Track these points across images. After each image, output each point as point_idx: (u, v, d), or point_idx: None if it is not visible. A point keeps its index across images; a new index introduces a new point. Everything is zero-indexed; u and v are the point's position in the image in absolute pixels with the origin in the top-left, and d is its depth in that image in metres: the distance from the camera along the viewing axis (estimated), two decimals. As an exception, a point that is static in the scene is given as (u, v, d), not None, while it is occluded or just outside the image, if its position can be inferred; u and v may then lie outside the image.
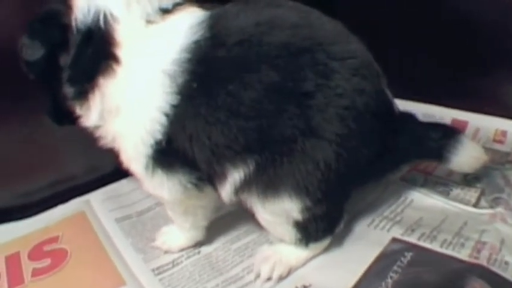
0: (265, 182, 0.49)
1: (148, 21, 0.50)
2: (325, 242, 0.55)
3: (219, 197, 0.54)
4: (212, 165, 0.49)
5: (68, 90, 0.52)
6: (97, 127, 0.54)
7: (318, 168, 0.47)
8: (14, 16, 0.62)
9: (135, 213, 0.68)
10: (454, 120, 0.75)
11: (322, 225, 0.53)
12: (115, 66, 0.49)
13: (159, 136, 0.49)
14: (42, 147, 0.69)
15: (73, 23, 0.49)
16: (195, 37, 0.48)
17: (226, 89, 0.46)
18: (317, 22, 0.50)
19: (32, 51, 0.50)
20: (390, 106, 0.53)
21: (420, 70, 0.75)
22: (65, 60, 0.50)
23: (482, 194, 0.61)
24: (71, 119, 0.57)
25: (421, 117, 0.74)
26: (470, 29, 0.72)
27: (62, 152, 0.72)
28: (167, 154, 0.50)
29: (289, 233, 0.53)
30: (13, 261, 0.63)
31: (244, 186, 0.50)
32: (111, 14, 0.49)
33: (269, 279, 0.54)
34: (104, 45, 0.49)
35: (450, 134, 0.57)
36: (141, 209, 0.69)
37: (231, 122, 0.47)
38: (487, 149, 0.69)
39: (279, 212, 0.50)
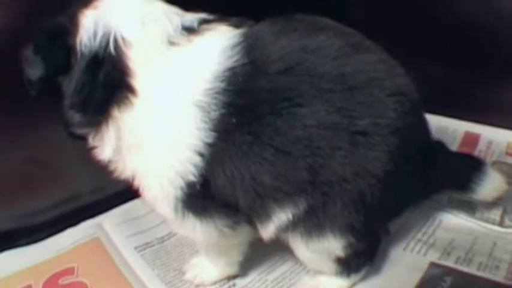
0: (314, 222, 0.46)
1: (171, 43, 0.44)
2: (365, 269, 0.55)
3: (255, 232, 0.51)
4: (255, 208, 0.45)
5: (73, 117, 0.46)
6: (113, 161, 0.49)
7: (365, 206, 0.45)
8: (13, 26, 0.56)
9: (155, 240, 0.64)
10: (466, 133, 0.76)
11: (362, 259, 0.52)
12: (131, 98, 0.44)
13: (191, 178, 0.44)
14: (45, 164, 0.64)
15: (78, 46, 0.44)
16: (230, 63, 0.43)
17: (272, 126, 0.42)
18: (365, 50, 0.46)
19: (33, 69, 0.45)
20: (430, 139, 0.52)
21: (433, 82, 0.74)
22: (67, 86, 0.45)
23: (505, 212, 0.62)
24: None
25: (434, 130, 0.74)
26: (484, 42, 0.72)
27: (66, 168, 0.67)
28: (201, 197, 0.46)
29: (330, 267, 0.52)
30: (26, 296, 0.58)
31: (289, 226, 0.47)
32: (123, 38, 0.43)
33: (315, 312, 0.53)
34: (116, 74, 0.44)
35: (477, 165, 0.57)
36: (162, 235, 0.65)
37: (279, 161, 0.43)
38: (501, 163, 0.71)
39: (321, 251, 0.49)
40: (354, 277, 0.54)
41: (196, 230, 0.48)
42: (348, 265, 0.51)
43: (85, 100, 0.44)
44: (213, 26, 0.47)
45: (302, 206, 0.45)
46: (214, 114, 0.43)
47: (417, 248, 0.59)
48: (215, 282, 0.57)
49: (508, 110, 0.73)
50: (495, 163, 0.70)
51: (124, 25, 0.44)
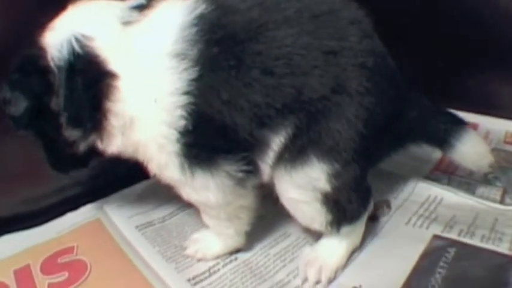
0: (299, 146, 0.48)
1: (126, 23, 0.48)
2: (360, 227, 0.55)
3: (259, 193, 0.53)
4: (254, 133, 0.48)
5: (73, 132, 0.49)
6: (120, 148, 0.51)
7: (343, 127, 0.47)
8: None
9: (156, 219, 0.65)
10: (465, 123, 0.78)
11: (352, 197, 0.51)
12: (114, 82, 0.47)
13: (182, 122, 0.46)
14: None
15: (51, 63, 0.47)
16: (197, 12, 0.47)
17: (253, 49, 0.46)
18: None
19: (16, 105, 0.48)
20: (396, 72, 0.54)
21: (431, 73, 0.78)
22: (57, 103, 0.48)
23: (505, 192, 0.64)
24: (76, 164, 0.56)
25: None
26: (482, 32, 0.75)
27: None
28: (200, 145, 0.47)
29: (319, 213, 0.51)
30: (23, 276, 0.58)
31: (279, 155, 0.49)
32: (82, 35, 0.47)
33: (317, 282, 0.52)
34: (92, 69, 0.47)
35: (457, 121, 0.59)
36: (163, 215, 0.66)
37: (266, 81, 0.46)
38: (499, 151, 0.73)
39: (306, 185, 0.49)
40: (347, 233, 0.53)
41: (210, 187, 0.49)
42: (337, 209, 0.51)
43: (78, 108, 0.47)
44: None
45: (290, 128, 0.48)
46: (192, 53, 0.46)
47: (419, 223, 0.59)
48: (217, 257, 0.57)
49: (506, 100, 0.76)
50: (493, 150, 0.71)
51: (79, 26, 0.48)
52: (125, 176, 0.71)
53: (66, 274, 0.57)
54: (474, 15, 0.75)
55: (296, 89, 0.47)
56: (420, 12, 0.79)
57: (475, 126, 0.77)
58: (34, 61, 0.48)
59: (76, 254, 0.60)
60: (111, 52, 0.47)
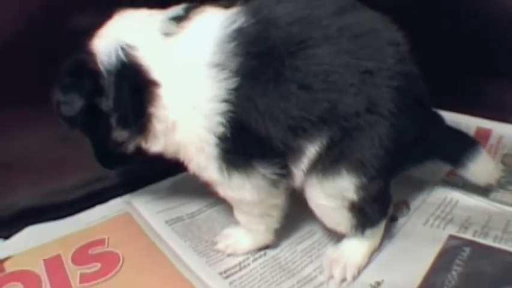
0: (331, 158, 0.53)
1: (166, 34, 0.54)
2: (380, 229, 0.61)
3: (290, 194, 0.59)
4: (289, 142, 0.53)
5: (121, 133, 0.56)
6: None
7: (373, 144, 0.53)
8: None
9: (185, 215, 0.71)
10: (478, 128, 0.84)
11: (376, 207, 0.57)
12: (157, 90, 0.54)
13: (220, 129, 0.52)
14: (76, 143, 0.67)
15: (101, 67, 0.53)
16: (236, 26, 0.52)
17: (292, 64, 0.51)
18: (362, 8, 0.56)
19: (71, 105, 0.53)
20: (426, 95, 0.59)
21: (446, 80, 0.84)
22: (107, 105, 0.54)
23: (517, 195, 0.71)
24: (122, 161, 0.63)
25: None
26: (495, 38, 0.80)
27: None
28: (237, 152, 0.53)
29: (345, 219, 0.57)
30: (54, 265, 0.63)
31: (313, 164, 0.54)
32: (128, 45, 0.53)
33: (343, 280, 0.58)
34: (137, 77, 0.53)
35: (472, 142, 0.66)
36: (192, 211, 0.72)
37: (303, 94, 0.51)
38: (511, 156, 0.80)
39: (336, 194, 0.55)
40: (370, 235, 0.59)
41: (246, 187, 0.54)
42: (362, 215, 0.57)
43: (126, 111, 0.54)
44: (201, 9, 0.56)
45: (325, 139, 0.53)
46: (232, 64, 0.51)
47: (436, 223, 0.66)
48: (247, 253, 0.63)
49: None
50: (506, 156, 0.79)
51: (124, 35, 0.54)
52: (151, 172, 0.77)
53: (99, 265, 0.62)
54: (487, 18, 0.80)
55: (331, 104, 0.51)
56: (433, 14, 0.84)
57: (488, 132, 0.83)
58: (85, 65, 0.54)
59: (107, 246, 0.66)
60: (153, 61, 0.54)
